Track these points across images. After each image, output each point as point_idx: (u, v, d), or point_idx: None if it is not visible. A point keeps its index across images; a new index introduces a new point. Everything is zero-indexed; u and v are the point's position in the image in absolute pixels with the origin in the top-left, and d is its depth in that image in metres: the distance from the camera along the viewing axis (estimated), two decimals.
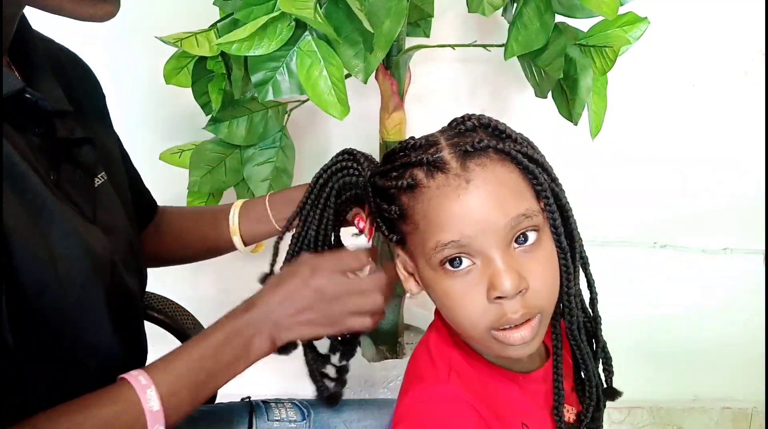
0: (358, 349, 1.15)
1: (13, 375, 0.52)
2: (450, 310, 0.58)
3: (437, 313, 0.65)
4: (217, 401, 0.85)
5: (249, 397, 0.85)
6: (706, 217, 1.46)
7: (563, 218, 0.60)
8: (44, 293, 0.54)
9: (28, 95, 0.58)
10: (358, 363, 1.18)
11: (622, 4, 0.93)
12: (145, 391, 0.57)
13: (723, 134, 1.40)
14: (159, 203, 0.92)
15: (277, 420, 0.81)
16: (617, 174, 1.43)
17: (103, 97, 0.79)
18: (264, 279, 0.74)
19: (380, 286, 0.68)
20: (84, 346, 0.59)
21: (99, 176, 0.67)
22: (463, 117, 0.60)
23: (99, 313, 0.60)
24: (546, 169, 0.59)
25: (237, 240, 0.86)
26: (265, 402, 0.84)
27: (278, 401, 0.84)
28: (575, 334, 0.63)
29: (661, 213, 1.46)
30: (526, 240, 0.56)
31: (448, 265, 0.56)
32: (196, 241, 0.89)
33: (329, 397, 0.73)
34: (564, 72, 0.95)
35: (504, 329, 0.55)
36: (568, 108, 1.00)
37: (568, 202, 0.60)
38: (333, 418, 0.82)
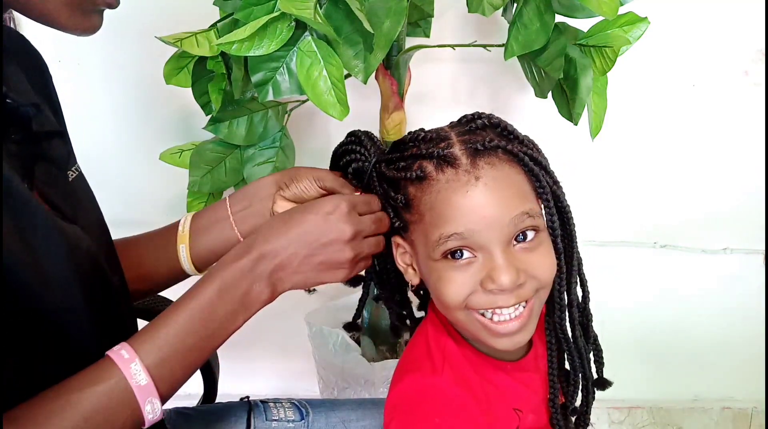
0: (358, 348, 1.15)
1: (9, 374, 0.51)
2: (439, 292, 0.60)
3: (431, 305, 0.67)
4: (215, 401, 0.85)
5: (248, 397, 0.85)
6: (706, 217, 1.46)
7: (562, 220, 0.62)
8: (25, 295, 0.51)
9: (9, 101, 0.56)
10: (358, 363, 1.18)
11: (622, 4, 0.93)
12: (129, 366, 0.53)
13: (723, 134, 1.39)
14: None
15: (275, 420, 0.81)
16: (617, 174, 1.42)
17: (53, 85, 0.71)
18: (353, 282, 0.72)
19: (385, 227, 0.65)
20: (69, 349, 0.57)
21: (73, 169, 0.65)
22: (473, 115, 0.62)
23: (82, 314, 0.57)
24: (549, 172, 0.61)
25: (183, 251, 0.72)
26: (264, 402, 0.84)
27: (277, 401, 0.84)
28: (564, 330, 0.66)
29: (661, 213, 1.46)
30: (525, 238, 0.58)
31: (449, 257, 0.58)
32: (152, 269, 0.75)
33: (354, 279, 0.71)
34: (564, 72, 0.95)
35: (496, 322, 0.58)
36: (568, 108, 1.00)
37: (568, 205, 0.62)
38: (331, 418, 0.82)
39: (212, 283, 0.58)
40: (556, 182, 0.62)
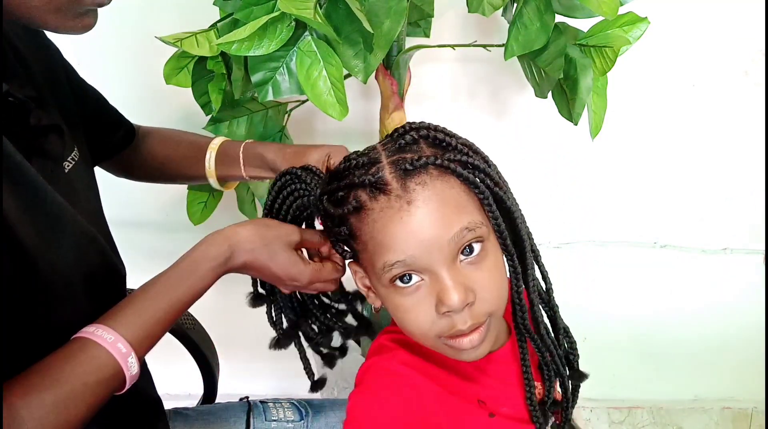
0: (358, 348, 1.15)
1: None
2: (401, 322, 0.60)
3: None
4: (215, 401, 0.85)
5: (247, 397, 0.85)
6: (706, 217, 1.46)
7: (509, 220, 0.60)
8: (32, 277, 0.53)
9: (11, 99, 0.57)
10: (358, 363, 1.18)
11: (622, 4, 0.93)
12: (116, 344, 0.56)
13: (723, 134, 1.39)
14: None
15: (275, 420, 0.81)
16: (617, 174, 1.42)
17: (60, 56, 0.76)
18: (253, 301, 0.75)
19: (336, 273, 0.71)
20: (65, 326, 0.58)
21: (69, 159, 0.66)
22: (404, 128, 0.60)
23: (81, 297, 0.59)
24: (488, 174, 0.59)
25: (213, 181, 0.88)
26: (263, 402, 0.84)
27: (276, 401, 0.84)
28: (528, 329, 0.64)
29: (661, 213, 1.46)
30: (471, 251, 0.57)
31: (398, 282, 0.57)
32: (173, 170, 0.91)
33: (316, 383, 0.76)
34: (564, 72, 0.95)
35: (454, 336, 0.57)
36: (568, 108, 1.00)
37: (513, 204, 0.61)
38: (331, 418, 0.82)
39: (187, 269, 0.64)
40: (497, 183, 0.59)
